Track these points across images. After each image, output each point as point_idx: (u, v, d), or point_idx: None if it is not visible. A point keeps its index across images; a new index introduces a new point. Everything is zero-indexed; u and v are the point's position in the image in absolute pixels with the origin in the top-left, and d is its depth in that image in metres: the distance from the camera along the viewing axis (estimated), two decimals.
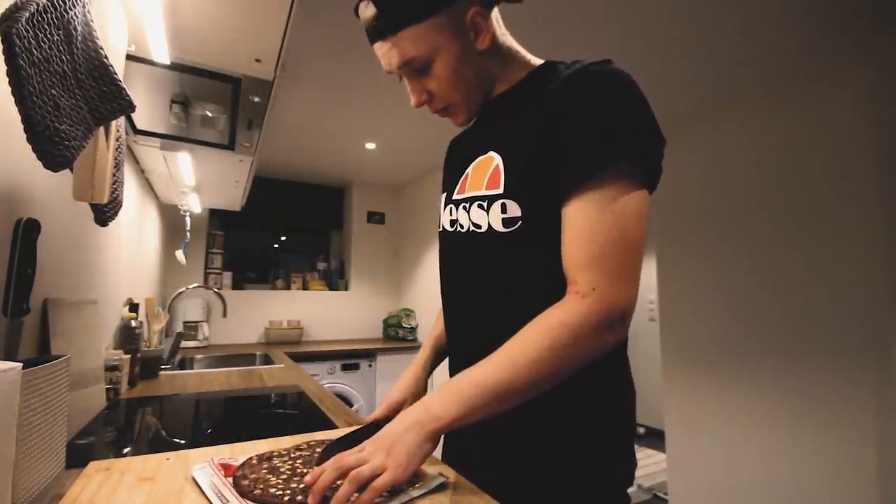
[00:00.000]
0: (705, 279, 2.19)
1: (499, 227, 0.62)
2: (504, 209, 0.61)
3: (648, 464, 3.27)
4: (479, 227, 0.65)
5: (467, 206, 0.68)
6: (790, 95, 1.88)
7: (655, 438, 3.72)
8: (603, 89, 0.57)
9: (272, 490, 0.53)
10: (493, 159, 0.65)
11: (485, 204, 0.64)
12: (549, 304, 0.57)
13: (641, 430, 4.02)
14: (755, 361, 1.94)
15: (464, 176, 0.71)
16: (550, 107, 0.59)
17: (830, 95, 1.74)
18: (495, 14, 0.68)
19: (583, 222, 0.56)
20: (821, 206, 1.76)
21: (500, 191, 0.62)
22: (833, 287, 1.70)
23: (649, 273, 4.07)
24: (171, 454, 0.70)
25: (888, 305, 1.55)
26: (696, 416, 2.19)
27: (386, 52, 0.65)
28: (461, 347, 0.73)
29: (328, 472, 0.50)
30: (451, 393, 0.55)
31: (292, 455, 0.65)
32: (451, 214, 0.72)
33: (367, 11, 0.63)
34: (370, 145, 2.89)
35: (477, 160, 0.68)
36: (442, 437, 0.56)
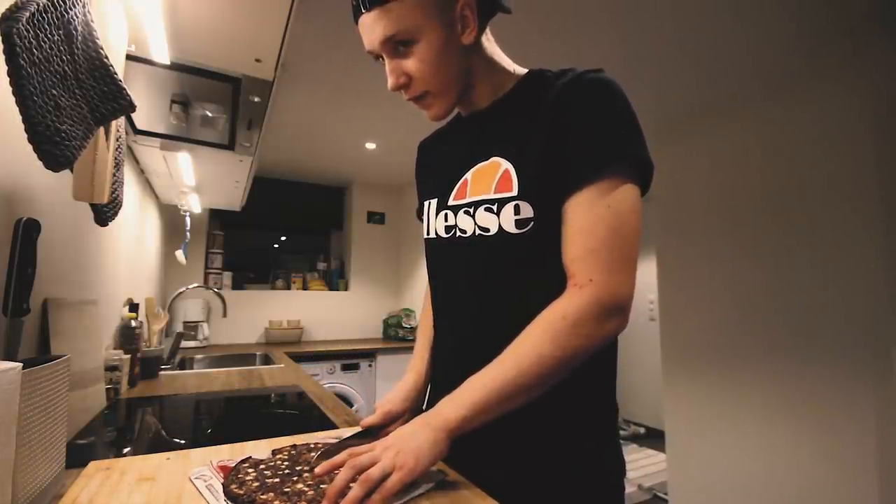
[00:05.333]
0: (706, 279, 2.19)
1: (511, 228, 0.63)
2: (517, 210, 0.62)
3: (648, 464, 3.27)
4: (486, 230, 0.65)
5: (471, 210, 0.67)
6: (791, 96, 1.88)
7: (655, 438, 3.72)
8: (600, 97, 0.60)
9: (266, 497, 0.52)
10: (500, 164, 0.65)
11: (494, 207, 0.64)
12: None
13: (641, 430, 4.02)
14: (755, 361, 1.94)
15: (461, 182, 0.70)
16: (553, 113, 0.61)
17: (831, 96, 1.74)
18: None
19: (582, 218, 0.58)
20: (821, 206, 1.76)
21: (514, 193, 0.63)
22: (833, 287, 1.70)
23: (650, 273, 4.06)
24: (171, 454, 0.70)
25: (889, 305, 1.55)
26: (696, 416, 2.19)
27: (371, 25, 0.63)
28: (462, 351, 0.71)
29: (344, 472, 0.51)
30: (462, 395, 0.56)
31: (277, 462, 0.64)
32: (446, 220, 0.72)
33: None
34: (370, 145, 2.89)
35: (477, 166, 0.68)
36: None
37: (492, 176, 0.66)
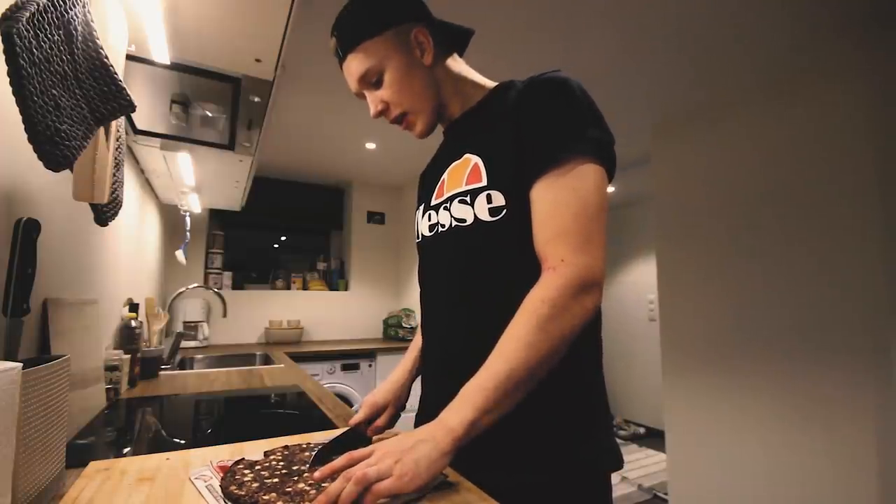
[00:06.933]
0: (705, 279, 2.19)
1: (485, 216, 0.66)
2: (489, 199, 0.65)
3: (648, 464, 3.27)
4: (463, 221, 0.68)
5: (448, 204, 0.71)
6: (790, 94, 1.88)
7: (655, 438, 3.73)
8: (556, 91, 0.65)
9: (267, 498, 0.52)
10: (471, 159, 0.69)
11: (468, 198, 0.68)
12: None
13: (641, 430, 4.02)
14: (755, 361, 1.94)
15: (440, 183, 0.75)
16: (514, 111, 0.66)
17: (831, 94, 1.74)
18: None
19: (548, 203, 0.62)
20: (821, 205, 1.76)
21: (484, 183, 0.66)
22: (833, 286, 1.70)
23: (650, 273, 4.07)
24: (171, 454, 0.70)
25: (889, 304, 1.55)
26: (696, 416, 2.19)
27: (348, 70, 0.74)
28: (449, 340, 0.73)
29: (340, 481, 0.49)
30: (461, 401, 0.56)
31: (272, 463, 0.64)
32: (429, 220, 0.76)
33: (332, 41, 0.75)
34: (370, 145, 2.89)
35: (451, 165, 0.73)
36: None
37: (463, 171, 0.70)
